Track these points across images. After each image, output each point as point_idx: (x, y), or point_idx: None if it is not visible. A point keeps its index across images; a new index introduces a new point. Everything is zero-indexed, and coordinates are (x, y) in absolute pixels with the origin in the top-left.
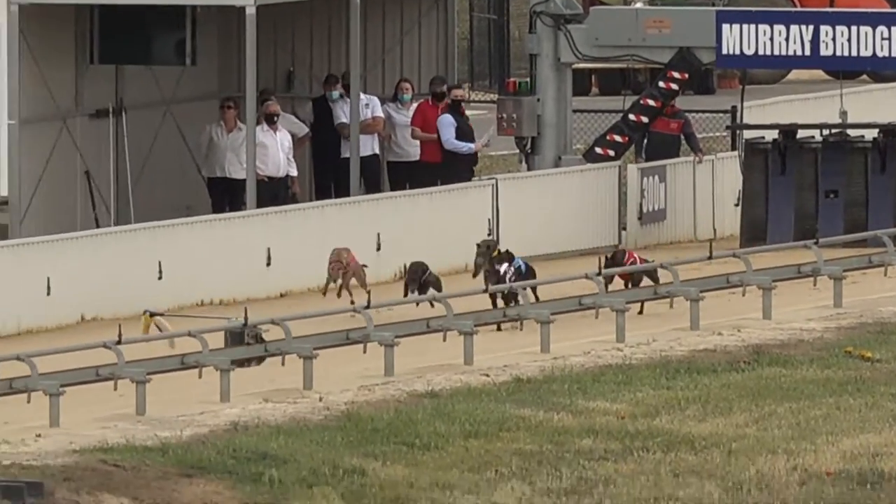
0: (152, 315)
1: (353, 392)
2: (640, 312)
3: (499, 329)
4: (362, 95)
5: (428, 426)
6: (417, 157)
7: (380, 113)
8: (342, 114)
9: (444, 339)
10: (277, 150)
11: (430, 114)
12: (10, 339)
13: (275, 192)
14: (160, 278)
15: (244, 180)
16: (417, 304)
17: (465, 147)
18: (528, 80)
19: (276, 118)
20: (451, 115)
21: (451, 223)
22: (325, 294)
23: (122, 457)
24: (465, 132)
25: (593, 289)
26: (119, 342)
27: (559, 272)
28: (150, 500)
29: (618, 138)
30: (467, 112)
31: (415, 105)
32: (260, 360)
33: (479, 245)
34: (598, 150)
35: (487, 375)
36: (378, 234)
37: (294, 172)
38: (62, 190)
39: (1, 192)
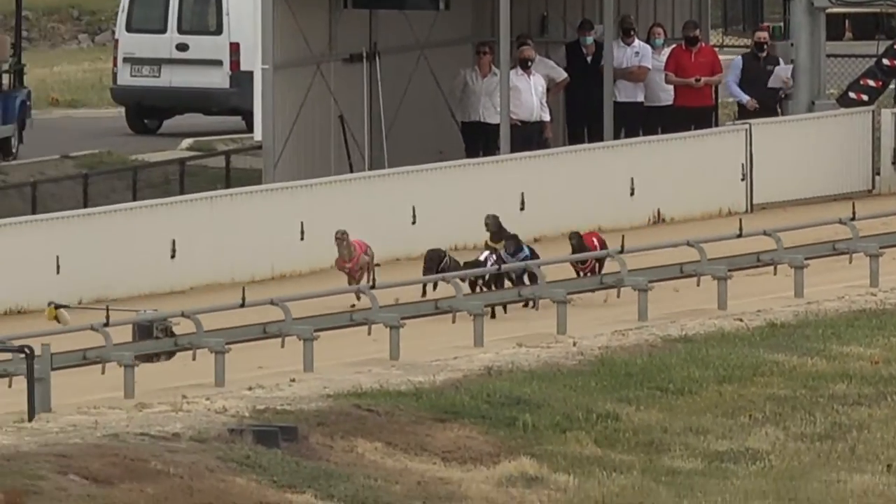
0: (57, 307)
1: (607, 337)
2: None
3: (504, 311)
4: (636, 42)
5: (682, 371)
6: (670, 102)
7: (648, 63)
8: (622, 59)
9: (698, 285)
10: (531, 95)
11: (684, 59)
12: (264, 283)
13: (528, 136)
14: (414, 223)
15: (498, 125)
16: (434, 286)
17: (738, 96)
18: (782, 24)
19: (530, 63)
20: (745, 58)
21: (705, 168)
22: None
23: (376, 401)
24: (755, 77)
25: (847, 234)
26: (373, 287)
27: (813, 217)
28: (403, 444)
29: (871, 83)
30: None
31: (667, 50)
32: (170, 354)
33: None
34: (852, 94)
35: (741, 320)
36: (632, 179)
37: (547, 117)
38: (316, 135)
39: (255, 137)
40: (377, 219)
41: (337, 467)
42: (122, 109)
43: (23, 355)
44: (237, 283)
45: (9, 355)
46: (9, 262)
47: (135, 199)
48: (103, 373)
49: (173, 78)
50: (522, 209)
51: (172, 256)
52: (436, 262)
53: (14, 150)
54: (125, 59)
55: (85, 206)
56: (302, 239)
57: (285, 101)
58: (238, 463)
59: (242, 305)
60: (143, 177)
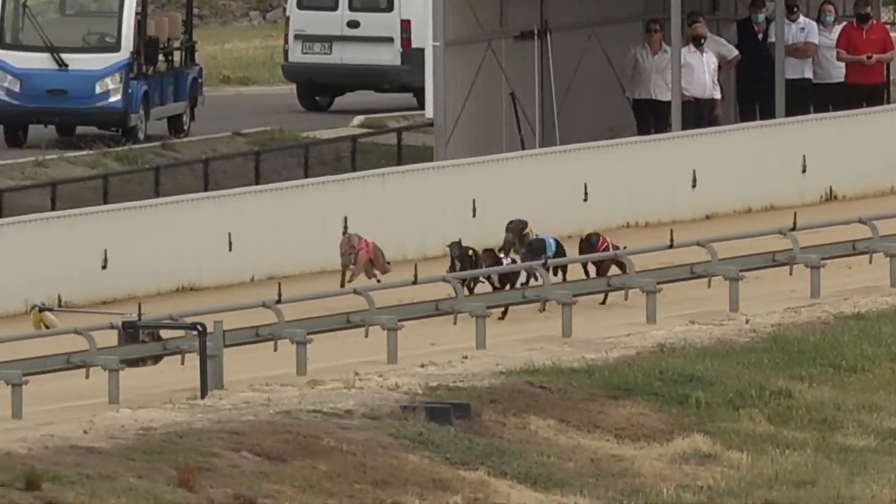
0: (41, 310)
1: (780, 314)
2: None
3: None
4: (801, 18)
5: (854, 348)
6: (841, 79)
7: (814, 39)
8: (787, 35)
9: (871, 262)
10: (703, 72)
11: (855, 36)
12: (436, 260)
13: (699, 113)
14: (585, 200)
15: (669, 102)
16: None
17: None
18: None
19: (702, 40)
20: None
21: (877, 145)
22: (342, 285)
23: (549, 378)
24: None
25: None
26: (545, 265)
27: None
28: (576, 421)
29: None
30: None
31: (838, 27)
32: (156, 359)
33: (510, 223)
34: None
35: None
36: (803, 157)
37: (718, 95)
38: (487, 112)
39: (427, 114)
40: (548, 196)
41: (510, 444)
42: (294, 86)
43: (195, 332)
44: (409, 259)
45: (181, 332)
46: (182, 239)
47: (306, 176)
48: (275, 350)
49: (344, 55)
50: (694, 187)
51: (345, 233)
52: (463, 258)
53: (186, 128)
54: (296, 36)
55: (256, 182)
56: (474, 216)
57: (456, 78)
58: (411, 440)
59: (415, 282)
60: (314, 154)
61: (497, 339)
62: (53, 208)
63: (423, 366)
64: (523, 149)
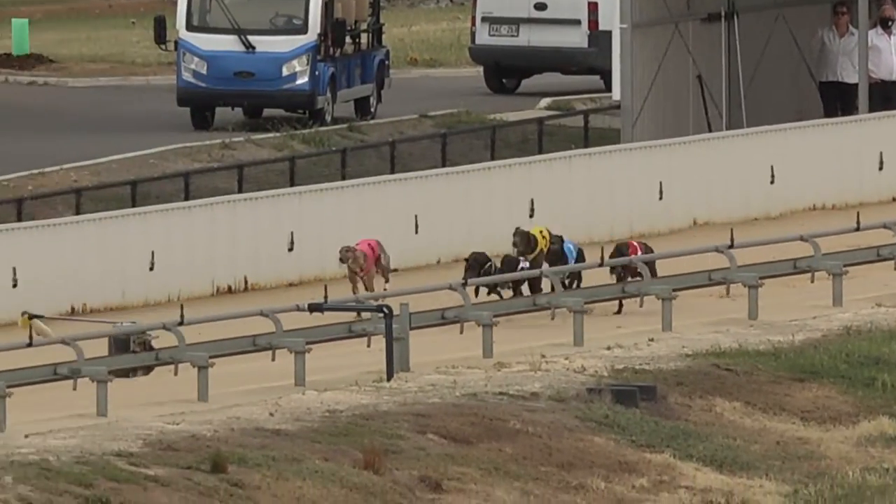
0: (31, 317)
1: None
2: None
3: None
4: None
5: None
6: None
7: None
8: None
9: None
10: (891, 55)
11: None
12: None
13: (886, 96)
14: (772, 182)
15: (856, 84)
16: (475, 290)
17: None
18: None
19: (891, 22)
20: None
21: None
22: (354, 292)
23: (735, 361)
24: None
25: None
26: (731, 246)
27: None
28: (762, 404)
29: None
30: None
31: None
32: (148, 369)
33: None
34: None
35: None
36: None
37: None
38: (674, 94)
39: (613, 97)
40: (735, 178)
41: (695, 427)
42: (481, 69)
43: (381, 315)
44: (595, 242)
45: (367, 315)
46: (368, 221)
47: (492, 158)
48: (461, 332)
49: (531, 37)
50: (881, 169)
51: (531, 216)
52: (479, 263)
53: (373, 110)
54: (483, 19)
55: (443, 165)
56: (660, 198)
57: (643, 60)
58: (597, 422)
59: (601, 264)
60: (501, 136)
61: (683, 322)
62: (240, 190)
63: (609, 348)
64: (710, 131)
